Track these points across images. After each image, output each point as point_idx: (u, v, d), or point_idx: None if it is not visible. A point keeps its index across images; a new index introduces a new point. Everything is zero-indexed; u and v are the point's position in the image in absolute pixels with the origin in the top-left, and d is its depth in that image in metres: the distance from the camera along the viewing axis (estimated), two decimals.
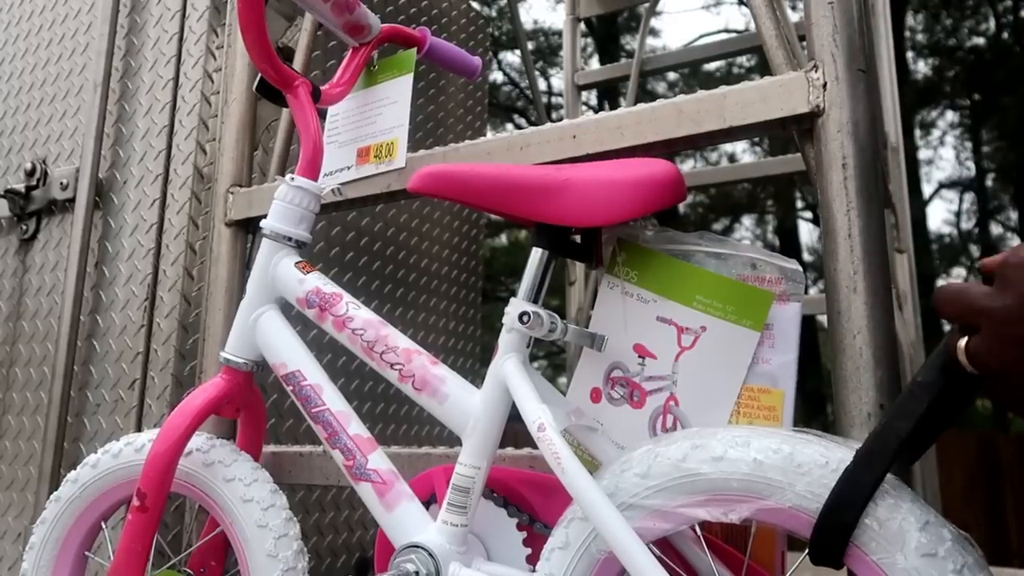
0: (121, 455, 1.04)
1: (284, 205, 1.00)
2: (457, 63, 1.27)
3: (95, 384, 1.53)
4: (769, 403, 0.81)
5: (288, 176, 1.01)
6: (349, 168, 1.19)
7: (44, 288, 1.68)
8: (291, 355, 0.97)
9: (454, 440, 1.96)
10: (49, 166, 1.74)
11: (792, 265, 0.82)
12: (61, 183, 1.68)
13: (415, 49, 1.21)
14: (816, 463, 0.64)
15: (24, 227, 1.74)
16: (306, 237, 1.02)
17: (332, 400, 0.94)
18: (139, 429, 1.44)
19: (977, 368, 0.56)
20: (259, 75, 1.05)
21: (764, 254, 0.82)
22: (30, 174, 1.73)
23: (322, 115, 1.19)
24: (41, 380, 1.63)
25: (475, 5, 2.45)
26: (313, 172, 1.02)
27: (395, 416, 1.91)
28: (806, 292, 1.48)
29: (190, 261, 1.48)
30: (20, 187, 1.73)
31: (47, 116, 1.79)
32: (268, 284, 1.01)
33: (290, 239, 1.01)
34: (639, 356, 0.85)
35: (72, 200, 1.63)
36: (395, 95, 1.20)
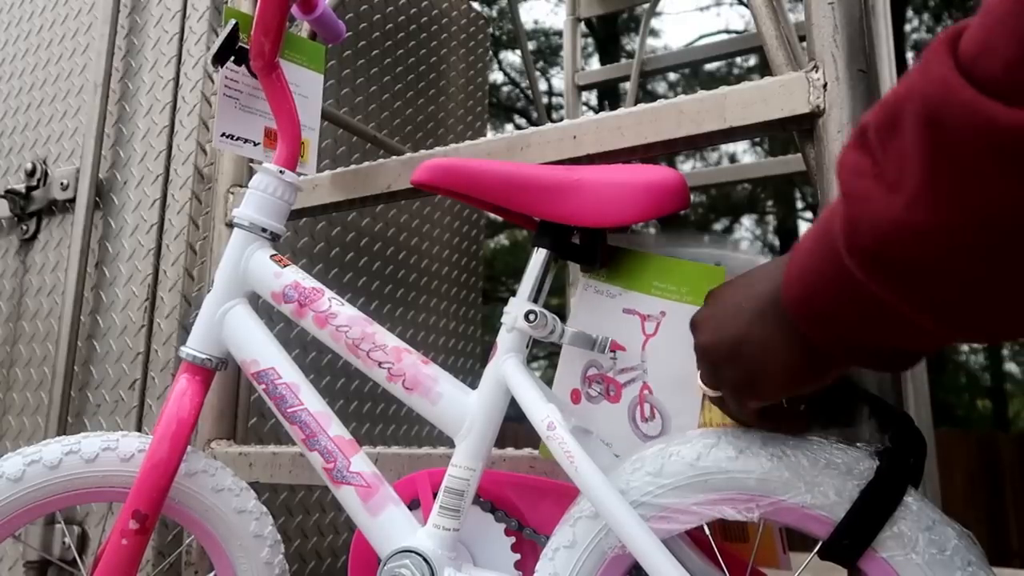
0: (62, 466, 0.88)
1: (262, 195, 0.96)
2: (330, 30, 1.18)
3: (95, 385, 1.53)
4: None
5: (276, 168, 0.97)
6: (256, 144, 1.13)
7: (44, 288, 1.68)
8: (263, 352, 0.92)
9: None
10: (49, 166, 1.74)
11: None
12: (61, 183, 1.68)
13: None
14: (830, 463, 0.65)
15: (24, 227, 1.74)
16: (282, 230, 0.98)
17: (309, 399, 0.89)
18: (140, 429, 1.45)
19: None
20: (219, 42, 1.01)
21: (732, 251, 0.82)
22: (30, 174, 1.74)
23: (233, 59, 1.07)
24: (41, 380, 1.63)
25: (475, 5, 2.45)
26: (292, 162, 0.99)
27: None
28: None
29: (190, 261, 1.48)
30: (20, 187, 1.73)
31: (47, 116, 1.79)
32: (239, 277, 0.95)
33: (266, 231, 0.96)
34: (611, 351, 0.86)
35: (72, 200, 1.63)
36: (305, 88, 1.14)
